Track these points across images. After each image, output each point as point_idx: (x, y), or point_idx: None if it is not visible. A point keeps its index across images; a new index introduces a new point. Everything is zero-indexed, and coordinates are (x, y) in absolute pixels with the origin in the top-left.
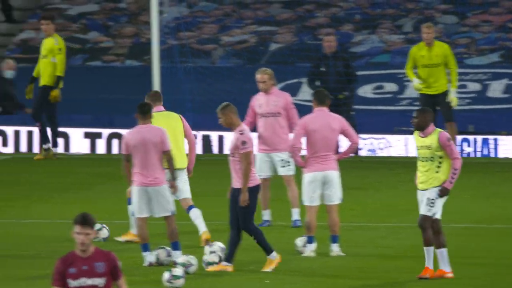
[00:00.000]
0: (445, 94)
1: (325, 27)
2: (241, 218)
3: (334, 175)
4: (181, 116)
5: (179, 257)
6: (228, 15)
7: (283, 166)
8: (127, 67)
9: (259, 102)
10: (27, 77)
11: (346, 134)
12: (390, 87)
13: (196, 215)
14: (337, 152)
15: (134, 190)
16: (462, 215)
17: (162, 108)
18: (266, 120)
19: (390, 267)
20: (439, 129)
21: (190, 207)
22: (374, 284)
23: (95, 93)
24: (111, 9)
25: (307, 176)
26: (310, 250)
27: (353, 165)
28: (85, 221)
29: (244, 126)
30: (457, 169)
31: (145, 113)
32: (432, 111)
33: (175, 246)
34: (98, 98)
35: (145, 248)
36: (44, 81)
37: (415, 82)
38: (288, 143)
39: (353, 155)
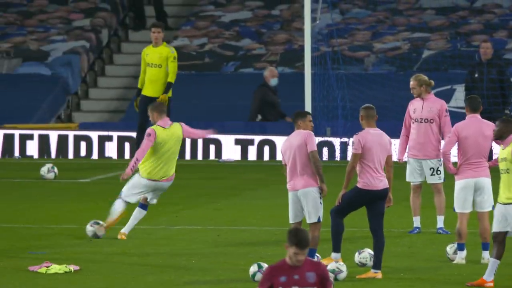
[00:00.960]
0: None
1: (479, 34)
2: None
3: (486, 182)
4: (181, 124)
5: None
6: (381, 22)
7: (433, 174)
8: (279, 74)
9: (413, 107)
10: (180, 85)
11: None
12: None
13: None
14: (489, 159)
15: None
16: None
17: (168, 120)
18: (419, 125)
19: None
20: None
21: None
22: None
23: (247, 100)
24: (264, 16)
25: (459, 183)
26: (460, 257)
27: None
28: (305, 244)
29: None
30: None
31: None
32: None
33: (311, 253)
34: (249, 105)
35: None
36: (159, 91)
37: None
38: (440, 150)
39: None
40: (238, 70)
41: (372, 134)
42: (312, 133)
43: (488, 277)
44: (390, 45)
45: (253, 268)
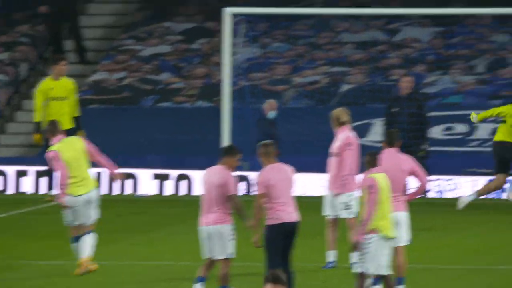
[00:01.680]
0: None
1: (398, 68)
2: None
3: (403, 216)
4: (82, 138)
5: None
6: (300, 56)
7: (344, 209)
8: (197, 108)
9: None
10: (99, 119)
11: (415, 175)
12: (461, 128)
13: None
14: (405, 193)
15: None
16: None
17: (62, 136)
18: (330, 160)
19: None
20: None
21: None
22: None
23: (165, 134)
24: (184, 50)
25: None
26: None
27: (421, 207)
28: (277, 279)
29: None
30: None
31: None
32: None
33: None
34: (167, 139)
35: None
36: (70, 124)
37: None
38: (350, 184)
39: (421, 196)
40: (157, 104)
41: (274, 170)
42: (232, 174)
43: None
44: (309, 79)
45: None
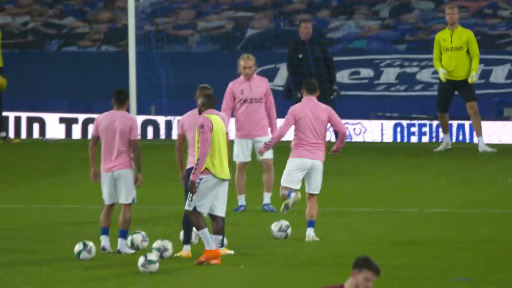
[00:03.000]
0: (465, 80)
1: (302, 13)
2: None
3: (319, 165)
4: None
5: (124, 246)
6: (204, 1)
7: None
8: (102, 53)
9: (240, 87)
10: (4, 63)
11: (333, 124)
12: (367, 72)
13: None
14: (325, 141)
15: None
16: (437, 200)
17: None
18: (249, 105)
19: (365, 253)
20: None
21: None
22: (349, 273)
23: (71, 78)
24: None
25: (292, 161)
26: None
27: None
28: (379, 272)
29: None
30: None
31: (122, 101)
32: None
33: (123, 234)
34: (73, 83)
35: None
36: None
37: (441, 72)
38: (276, 130)
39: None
40: (61, 48)
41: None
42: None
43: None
44: (214, 24)
45: (78, 247)
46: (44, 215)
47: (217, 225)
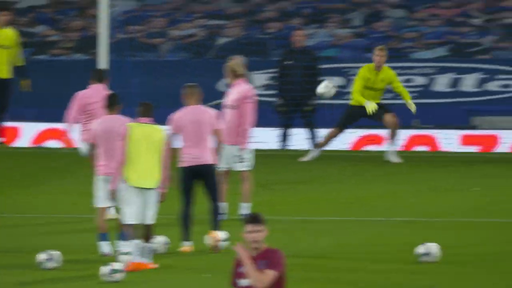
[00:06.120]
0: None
1: (274, 21)
2: None
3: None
4: None
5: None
6: (177, 9)
7: (239, 162)
8: (74, 61)
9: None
10: None
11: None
12: (337, 81)
13: None
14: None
15: (99, 180)
16: (404, 209)
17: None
18: (227, 112)
19: (325, 265)
20: None
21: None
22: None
23: (41, 87)
24: (60, 2)
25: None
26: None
27: (295, 159)
28: (256, 219)
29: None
30: None
31: (113, 104)
32: None
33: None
34: (44, 92)
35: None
36: (8, 73)
37: (368, 104)
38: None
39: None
40: (33, 56)
41: (188, 112)
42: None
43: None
44: (186, 32)
45: (42, 256)
46: (14, 227)
47: (146, 232)
